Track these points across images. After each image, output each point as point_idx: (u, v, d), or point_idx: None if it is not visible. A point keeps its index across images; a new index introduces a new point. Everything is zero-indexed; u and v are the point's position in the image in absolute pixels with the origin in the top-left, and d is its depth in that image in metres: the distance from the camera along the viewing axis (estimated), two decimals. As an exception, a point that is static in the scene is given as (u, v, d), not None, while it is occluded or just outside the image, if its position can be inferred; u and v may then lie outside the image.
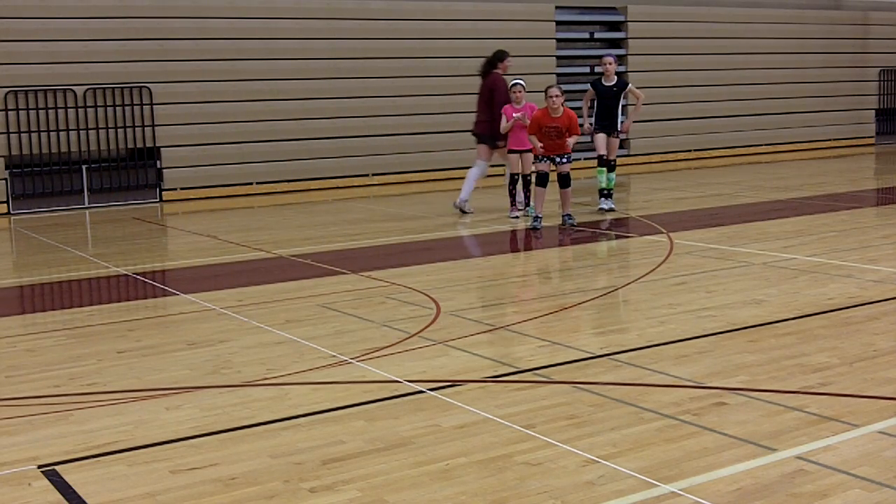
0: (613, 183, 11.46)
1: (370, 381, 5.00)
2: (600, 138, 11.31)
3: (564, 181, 10.48)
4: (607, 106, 11.22)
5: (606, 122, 11.26)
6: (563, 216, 10.60)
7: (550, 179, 10.52)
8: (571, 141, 10.35)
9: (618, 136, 11.33)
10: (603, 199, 11.43)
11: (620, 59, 18.28)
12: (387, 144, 16.15)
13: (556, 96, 10.16)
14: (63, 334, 6.34)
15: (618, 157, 11.67)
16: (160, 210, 13.83)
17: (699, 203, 12.36)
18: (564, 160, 10.40)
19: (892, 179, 15.89)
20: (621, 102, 11.34)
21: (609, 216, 11.12)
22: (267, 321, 6.42)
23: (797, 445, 3.90)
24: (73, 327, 6.56)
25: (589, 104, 11.59)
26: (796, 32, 20.47)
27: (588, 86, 11.61)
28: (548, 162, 10.40)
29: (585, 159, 17.97)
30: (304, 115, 15.46)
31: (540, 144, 10.32)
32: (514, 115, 11.06)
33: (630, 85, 11.33)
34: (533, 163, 10.69)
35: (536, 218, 10.41)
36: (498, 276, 8.07)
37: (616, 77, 11.25)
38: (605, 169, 11.31)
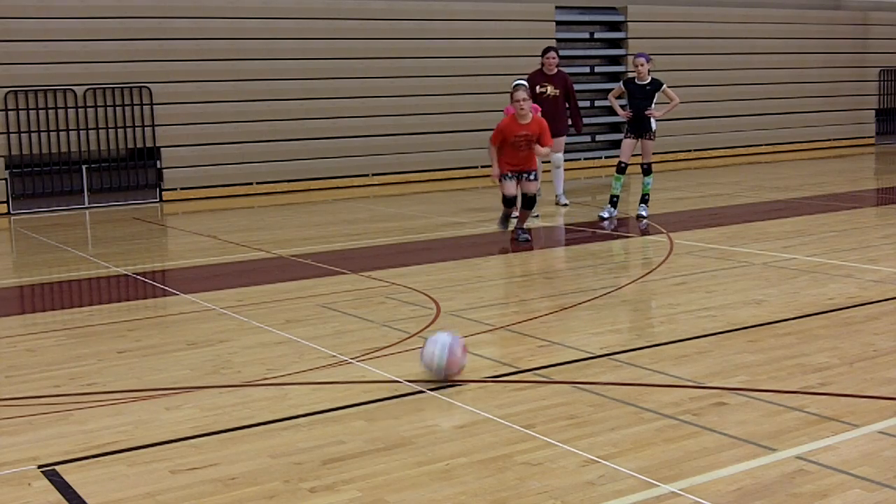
0: (650, 187, 10.95)
1: (370, 381, 5.00)
2: (627, 144, 10.95)
3: (530, 202, 9.35)
4: (638, 105, 10.78)
5: (636, 123, 10.81)
6: (516, 229, 9.56)
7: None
8: (544, 151, 9.29)
9: (651, 138, 10.82)
10: (610, 206, 10.96)
11: (620, 60, 18.33)
12: (387, 144, 16.14)
13: (524, 100, 8.94)
14: (63, 334, 6.34)
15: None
16: (160, 210, 13.83)
17: (699, 203, 12.36)
18: (532, 177, 9.31)
19: (892, 179, 15.89)
20: (654, 102, 10.83)
21: (612, 221, 10.86)
22: (267, 321, 6.42)
23: (797, 445, 3.90)
24: (73, 327, 6.56)
25: (616, 99, 11.20)
26: (796, 32, 20.46)
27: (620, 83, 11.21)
28: (513, 180, 9.29)
29: (586, 159, 18.01)
30: (304, 115, 15.46)
31: (498, 171, 9.20)
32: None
33: (665, 86, 10.79)
34: (499, 183, 9.44)
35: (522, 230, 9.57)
36: (498, 276, 8.07)
37: (650, 77, 10.79)
38: (621, 176, 10.92)
